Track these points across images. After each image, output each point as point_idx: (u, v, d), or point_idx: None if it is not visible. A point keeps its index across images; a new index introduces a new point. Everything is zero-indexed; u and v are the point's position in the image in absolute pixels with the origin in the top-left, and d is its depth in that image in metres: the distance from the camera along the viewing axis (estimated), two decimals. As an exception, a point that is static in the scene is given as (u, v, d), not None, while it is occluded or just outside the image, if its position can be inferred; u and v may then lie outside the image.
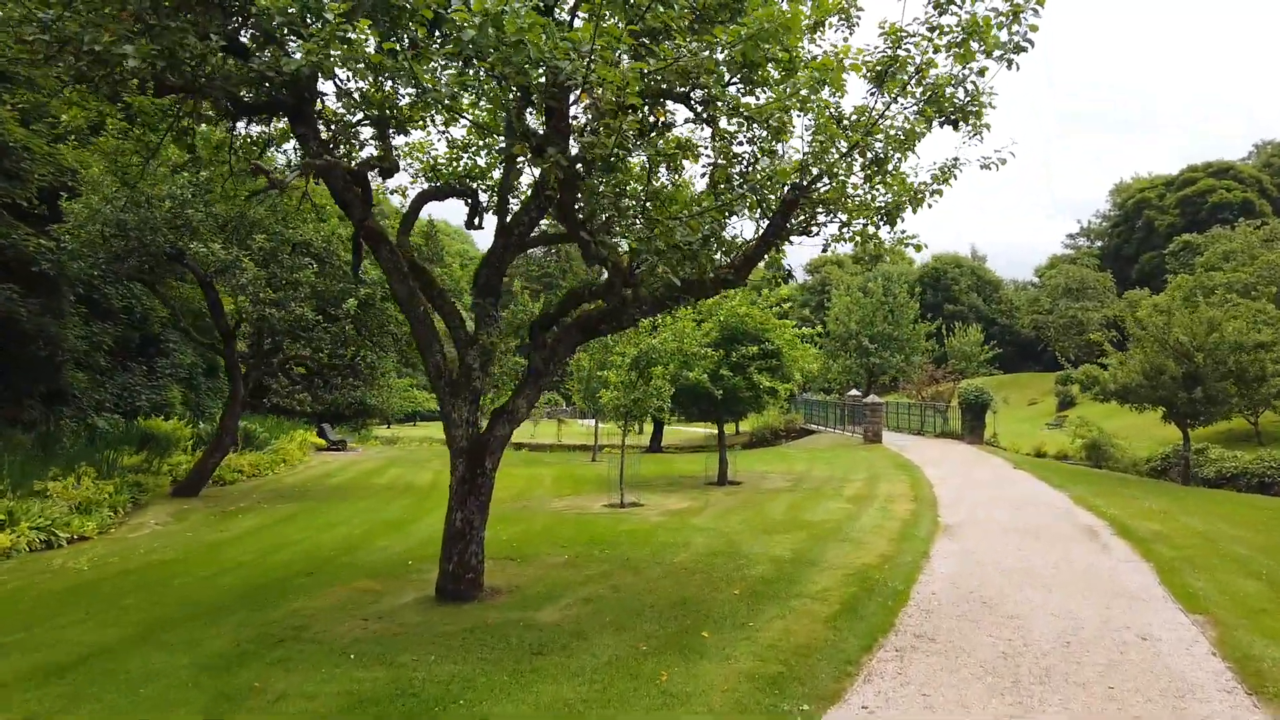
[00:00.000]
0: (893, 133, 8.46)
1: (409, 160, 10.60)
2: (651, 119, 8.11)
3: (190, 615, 8.77)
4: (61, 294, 19.63)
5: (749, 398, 20.33)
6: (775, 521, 14.58)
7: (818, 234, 10.89)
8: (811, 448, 33.88)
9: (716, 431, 22.16)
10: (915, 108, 8.64)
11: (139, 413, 23.54)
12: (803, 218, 10.37)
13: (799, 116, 9.19)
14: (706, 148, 10.36)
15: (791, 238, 10.65)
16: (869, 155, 8.62)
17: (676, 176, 10.60)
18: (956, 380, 47.81)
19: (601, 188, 7.15)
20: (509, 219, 9.38)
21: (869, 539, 12.95)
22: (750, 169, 9.07)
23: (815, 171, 8.79)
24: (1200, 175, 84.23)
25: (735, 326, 20.68)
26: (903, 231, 10.00)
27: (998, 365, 73.07)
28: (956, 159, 9.30)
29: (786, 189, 9.05)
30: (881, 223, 9.26)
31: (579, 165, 6.36)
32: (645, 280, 7.34)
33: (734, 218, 9.28)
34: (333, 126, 8.18)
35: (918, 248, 10.11)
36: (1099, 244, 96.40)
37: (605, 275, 8.12)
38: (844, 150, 8.29)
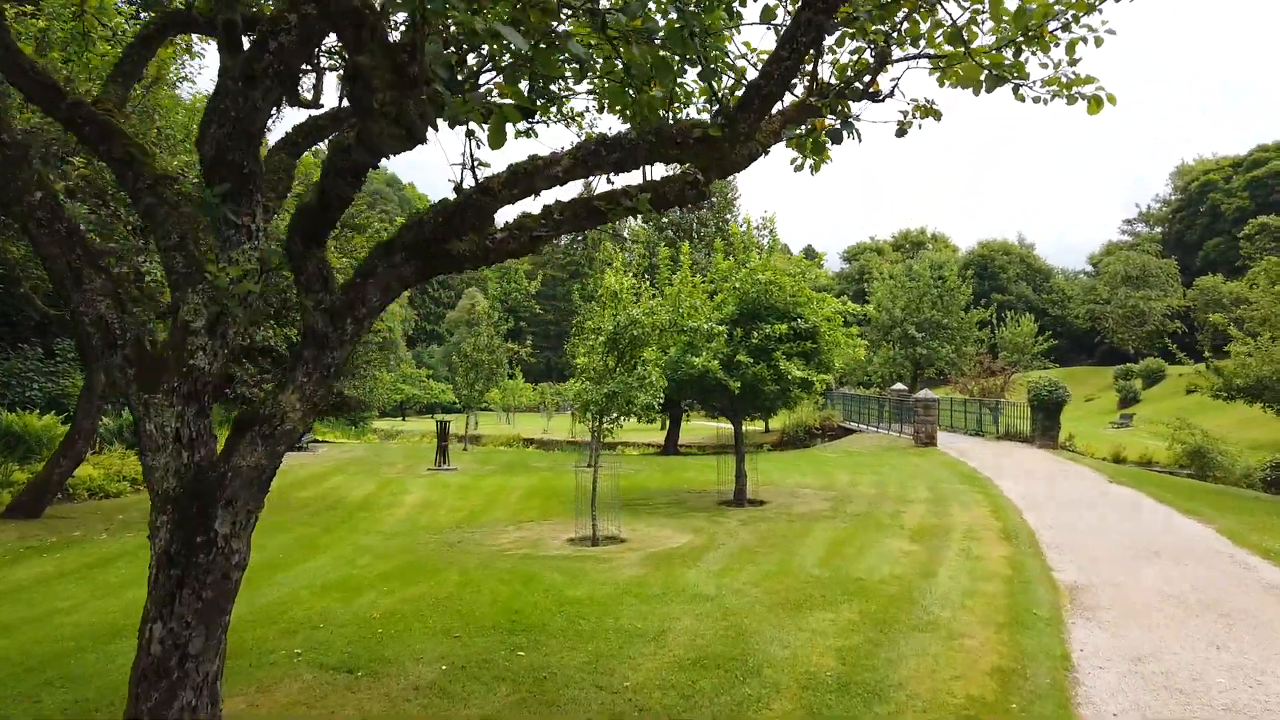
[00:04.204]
0: None
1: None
2: None
3: None
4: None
5: (774, 392, 15.37)
6: (808, 579, 9.64)
7: (890, 93, 6.12)
8: (853, 450, 28.76)
9: (740, 433, 17.06)
10: None
11: (30, 405, 19.16)
12: (869, 51, 5.55)
13: None
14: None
15: (849, 101, 5.95)
16: None
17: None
18: (1009, 374, 42.45)
19: None
20: (241, 18, 4.53)
21: (961, 622, 7.98)
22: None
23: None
24: (1272, 155, 77.83)
25: (757, 298, 15.70)
26: (1074, 62, 5.05)
27: (1052, 358, 67.44)
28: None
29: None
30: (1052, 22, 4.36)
31: None
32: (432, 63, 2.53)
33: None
34: None
35: (1095, 103, 5.16)
36: (1159, 230, 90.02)
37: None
38: None
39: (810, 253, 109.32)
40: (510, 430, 54.54)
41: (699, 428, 45.14)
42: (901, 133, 6.53)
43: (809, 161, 7.12)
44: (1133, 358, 63.82)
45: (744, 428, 17.20)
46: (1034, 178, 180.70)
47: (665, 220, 35.08)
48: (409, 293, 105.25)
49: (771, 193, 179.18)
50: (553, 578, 9.64)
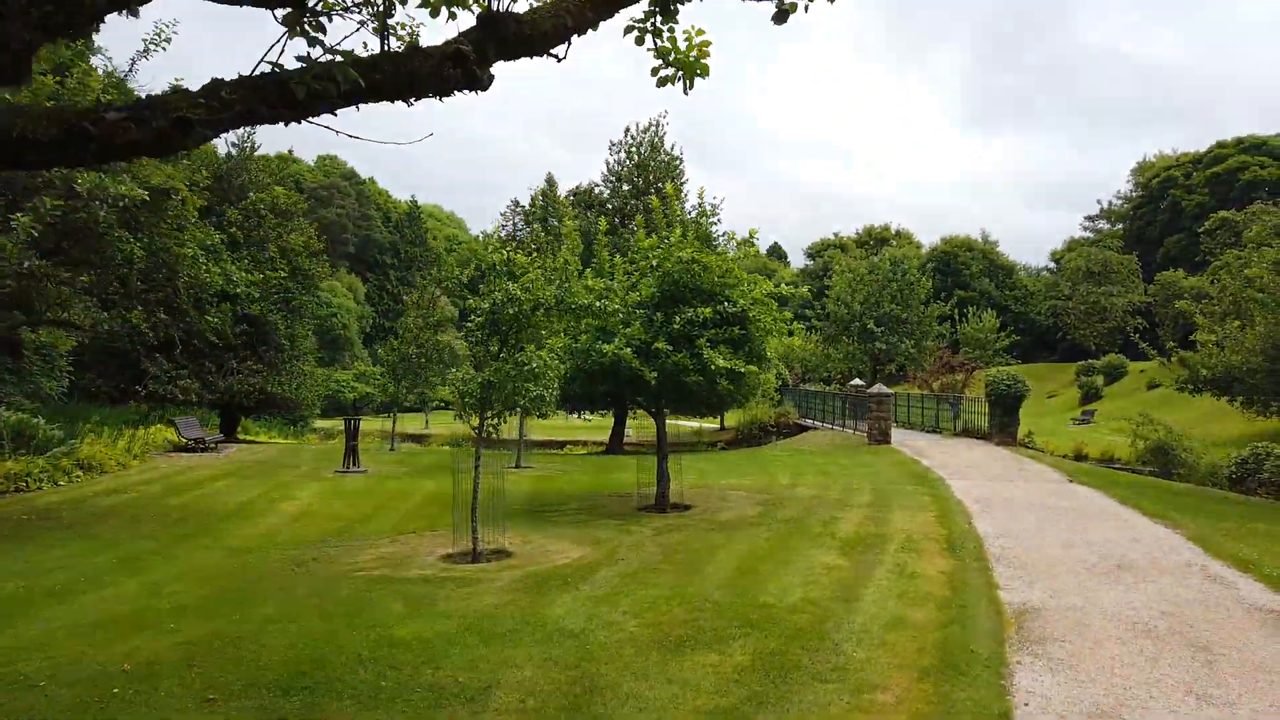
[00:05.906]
0: None
1: None
2: None
3: None
4: None
5: (699, 384, 13.61)
6: (704, 607, 7.92)
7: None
8: (802, 449, 27.21)
9: (662, 430, 15.25)
10: None
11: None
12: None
13: None
14: None
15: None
16: None
17: None
18: (969, 371, 41.28)
19: None
20: None
21: (878, 666, 6.30)
22: None
23: None
24: (1231, 152, 77.78)
25: (680, 279, 13.96)
26: None
27: (1015, 354, 66.62)
28: None
29: None
30: None
31: None
32: None
33: None
34: None
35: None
36: (1119, 226, 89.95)
37: None
38: None
39: (781, 254, 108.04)
40: (463, 429, 52.36)
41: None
42: (782, 18, 4.88)
43: (679, 75, 5.50)
44: (1094, 354, 63.26)
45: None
46: (1008, 173, 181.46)
47: (610, 206, 33.26)
48: (365, 289, 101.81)
49: (749, 193, 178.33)
50: (390, 609, 7.83)
